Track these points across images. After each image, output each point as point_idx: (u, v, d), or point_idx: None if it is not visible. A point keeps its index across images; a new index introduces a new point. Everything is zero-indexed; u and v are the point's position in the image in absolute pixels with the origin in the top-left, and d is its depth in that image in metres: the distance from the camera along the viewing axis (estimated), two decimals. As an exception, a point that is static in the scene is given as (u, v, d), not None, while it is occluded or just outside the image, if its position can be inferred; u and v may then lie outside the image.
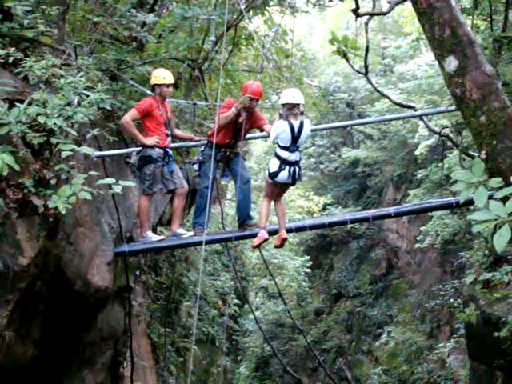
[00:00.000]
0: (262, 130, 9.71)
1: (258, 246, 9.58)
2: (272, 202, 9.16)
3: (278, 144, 8.60)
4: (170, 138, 9.36)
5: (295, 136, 8.47)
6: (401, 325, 28.90)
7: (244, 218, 9.55)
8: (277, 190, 9.00)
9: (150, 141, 8.99)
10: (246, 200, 9.57)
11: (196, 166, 9.53)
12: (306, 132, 8.59)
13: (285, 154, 8.53)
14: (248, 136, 11.33)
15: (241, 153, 9.84)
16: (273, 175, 8.61)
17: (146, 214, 9.26)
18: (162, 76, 9.26)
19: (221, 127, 9.18)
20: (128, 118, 8.99)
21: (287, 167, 8.54)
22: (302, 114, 8.65)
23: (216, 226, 19.88)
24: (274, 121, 8.99)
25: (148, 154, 9.03)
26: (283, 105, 8.57)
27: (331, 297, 35.08)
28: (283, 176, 8.58)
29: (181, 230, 9.48)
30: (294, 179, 8.70)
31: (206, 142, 9.64)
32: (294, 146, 8.53)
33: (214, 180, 9.74)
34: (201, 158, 9.46)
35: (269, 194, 9.00)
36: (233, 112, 9.09)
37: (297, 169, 8.64)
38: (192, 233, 9.56)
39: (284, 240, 9.14)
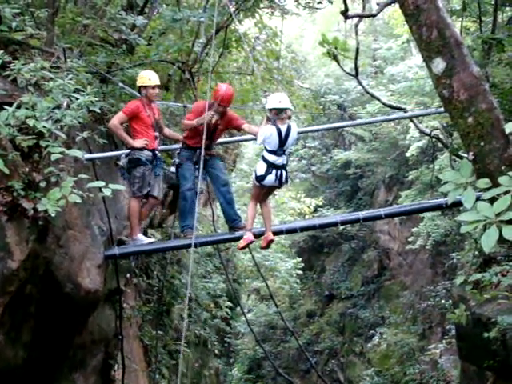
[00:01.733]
0: (239, 130, 9.68)
1: (244, 248, 9.56)
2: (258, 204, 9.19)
3: (264, 147, 8.62)
4: (157, 141, 9.34)
5: (282, 140, 8.50)
6: (393, 326, 28.95)
7: (233, 220, 9.54)
8: (263, 193, 9.03)
9: (138, 143, 8.97)
10: (228, 202, 9.51)
11: (173, 169, 9.47)
12: (293, 136, 8.63)
13: (272, 158, 8.56)
14: (238, 138, 11.33)
15: (217, 154, 9.76)
16: (260, 178, 8.63)
17: (136, 216, 9.23)
18: (148, 78, 9.21)
19: (194, 129, 9.14)
20: (115, 121, 8.96)
21: (274, 171, 8.57)
22: (289, 118, 8.67)
23: (208, 229, 19.86)
24: (262, 122, 8.96)
25: (137, 157, 9.00)
26: (270, 110, 8.58)
27: (323, 299, 35.09)
28: (270, 179, 8.61)
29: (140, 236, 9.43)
30: (280, 182, 8.73)
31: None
32: (281, 149, 8.55)
33: (197, 182, 9.66)
34: (177, 160, 9.41)
35: (255, 196, 9.04)
36: (193, 125, 9.06)
37: (283, 172, 8.66)
38: (152, 239, 9.55)
39: (270, 242, 9.17)
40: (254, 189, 9.04)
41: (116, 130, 8.98)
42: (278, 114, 8.50)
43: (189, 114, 9.37)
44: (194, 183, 9.40)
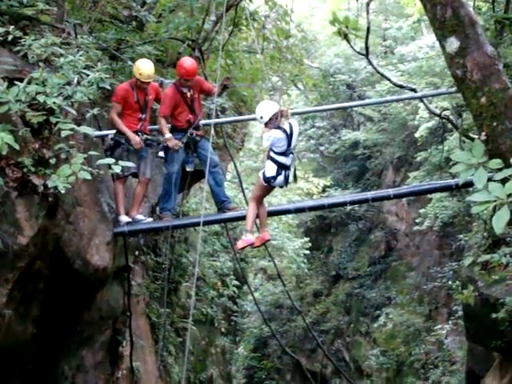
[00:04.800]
0: (210, 94, 9.61)
1: (243, 249, 9.58)
2: None
3: (272, 150, 8.54)
4: (142, 123, 9.19)
5: (290, 140, 8.48)
6: (399, 307, 28.98)
7: (222, 201, 9.52)
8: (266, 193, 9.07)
9: (135, 140, 8.92)
10: (218, 183, 9.51)
11: (162, 153, 9.39)
12: (296, 132, 8.60)
13: (282, 159, 8.50)
14: (247, 117, 11.27)
15: (209, 136, 9.63)
16: (270, 179, 8.58)
17: (118, 197, 9.11)
18: (139, 72, 9.00)
19: (173, 110, 9.19)
20: (113, 114, 8.96)
21: (283, 171, 8.54)
22: (285, 116, 8.56)
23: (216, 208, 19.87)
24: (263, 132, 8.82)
25: (116, 139, 8.98)
26: (270, 120, 8.46)
27: (330, 278, 35.10)
28: (280, 180, 8.58)
29: (140, 216, 9.38)
30: (286, 182, 8.73)
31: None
32: (289, 149, 8.52)
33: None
34: (166, 143, 9.33)
35: (258, 197, 8.95)
36: (163, 132, 9.23)
37: (288, 172, 8.64)
38: (151, 219, 9.59)
39: (265, 241, 9.20)
40: (260, 189, 8.91)
41: (116, 124, 8.91)
42: (277, 118, 8.41)
43: (163, 106, 9.30)
44: (181, 166, 9.38)
